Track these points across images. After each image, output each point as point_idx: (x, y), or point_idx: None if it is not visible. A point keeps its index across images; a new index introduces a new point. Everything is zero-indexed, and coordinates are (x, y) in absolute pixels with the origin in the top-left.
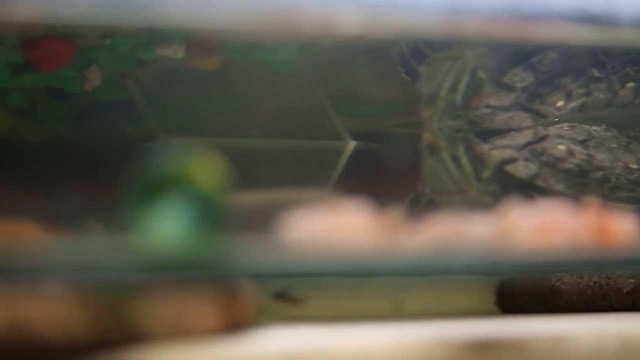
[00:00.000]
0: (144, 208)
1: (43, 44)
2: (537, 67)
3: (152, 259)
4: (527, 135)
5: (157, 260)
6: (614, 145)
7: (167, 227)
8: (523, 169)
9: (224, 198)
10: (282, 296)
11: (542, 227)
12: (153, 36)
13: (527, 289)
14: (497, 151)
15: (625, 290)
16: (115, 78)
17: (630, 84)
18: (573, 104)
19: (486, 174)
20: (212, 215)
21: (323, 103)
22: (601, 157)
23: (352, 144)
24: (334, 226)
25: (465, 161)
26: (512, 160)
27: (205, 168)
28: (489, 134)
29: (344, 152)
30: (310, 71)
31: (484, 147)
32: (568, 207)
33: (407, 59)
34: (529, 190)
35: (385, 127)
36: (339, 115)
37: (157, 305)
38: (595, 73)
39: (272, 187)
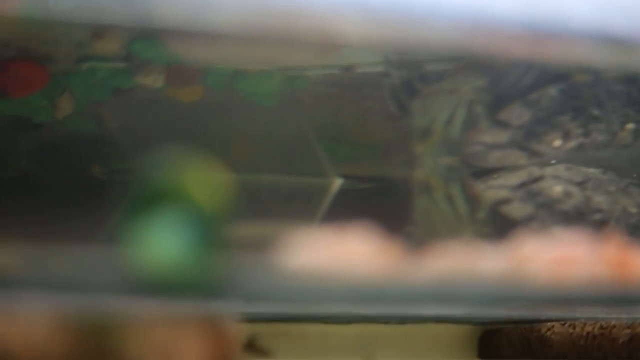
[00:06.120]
0: (135, 223)
1: (14, 68)
2: (535, 103)
3: (141, 277)
4: (522, 175)
5: (147, 279)
6: (612, 188)
7: (158, 244)
8: (518, 210)
9: (221, 217)
10: (250, 346)
11: (558, 260)
12: (131, 62)
13: (514, 340)
14: (491, 191)
15: (620, 341)
16: (89, 108)
17: (630, 125)
18: (570, 144)
19: (481, 214)
20: (206, 234)
21: (308, 138)
22: (599, 200)
23: (338, 181)
24: (336, 254)
25: (459, 201)
26: (507, 201)
27: (202, 185)
28: (482, 173)
29: (330, 189)
30: (295, 104)
31: (478, 186)
32: (586, 239)
33: (398, 92)
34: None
35: (374, 164)
36: (324, 151)
37: (144, 335)
38: (595, 112)
39: (255, 224)
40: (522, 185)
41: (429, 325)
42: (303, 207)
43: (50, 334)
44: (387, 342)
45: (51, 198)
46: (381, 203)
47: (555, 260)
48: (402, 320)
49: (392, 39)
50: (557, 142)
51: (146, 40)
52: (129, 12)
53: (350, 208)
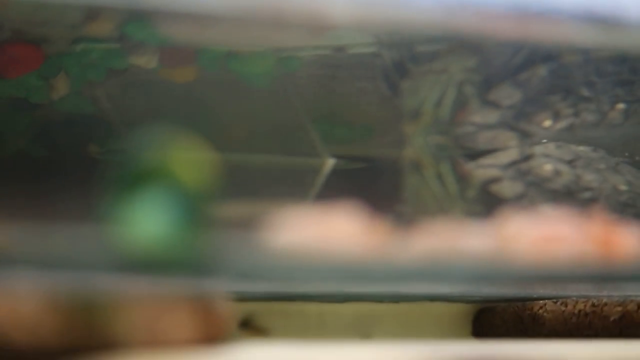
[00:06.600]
0: (122, 202)
1: (9, 49)
2: (525, 84)
3: (132, 255)
4: (512, 154)
5: (138, 257)
6: (602, 166)
7: (151, 222)
8: (508, 189)
9: (212, 196)
10: (246, 325)
11: (546, 238)
12: (125, 43)
13: (507, 318)
14: (481, 170)
15: (612, 318)
16: (83, 88)
17: (620, 105)
18: (561, 124)
19: (470, 193)
20: (198, 213)
21: (300, 118)
22: (589, 178)
23: (330, 162)
24: (326, 232)
25: (449, 180)
26: (496, 180)
27: (195, 164)
28: (473, 152)
29: (322, 169)
30: (288, 85)
31: (468, 166)
32: (571, 218)
33: (389, 73)
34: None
35: (366, 144)
36: (317, 131)
37: (132, 312)
38: (585, 92)
39: (246, 203)
40: (513, 163)
41: (424, 304)
42: (296, 187)
43: (39, 312)
44: (384, 321)
45: (47, 178)
46: (372, 182)
47: (544, 238)
48: (398, 298)
49: (380, 20)
50: (547, 122)
51: (139, 21)
52: None
53: (342, 188)
